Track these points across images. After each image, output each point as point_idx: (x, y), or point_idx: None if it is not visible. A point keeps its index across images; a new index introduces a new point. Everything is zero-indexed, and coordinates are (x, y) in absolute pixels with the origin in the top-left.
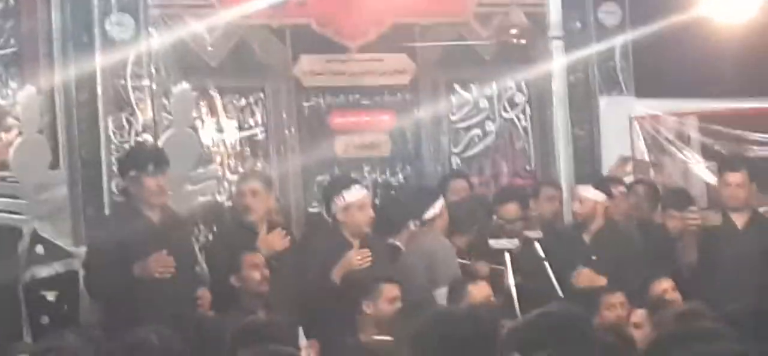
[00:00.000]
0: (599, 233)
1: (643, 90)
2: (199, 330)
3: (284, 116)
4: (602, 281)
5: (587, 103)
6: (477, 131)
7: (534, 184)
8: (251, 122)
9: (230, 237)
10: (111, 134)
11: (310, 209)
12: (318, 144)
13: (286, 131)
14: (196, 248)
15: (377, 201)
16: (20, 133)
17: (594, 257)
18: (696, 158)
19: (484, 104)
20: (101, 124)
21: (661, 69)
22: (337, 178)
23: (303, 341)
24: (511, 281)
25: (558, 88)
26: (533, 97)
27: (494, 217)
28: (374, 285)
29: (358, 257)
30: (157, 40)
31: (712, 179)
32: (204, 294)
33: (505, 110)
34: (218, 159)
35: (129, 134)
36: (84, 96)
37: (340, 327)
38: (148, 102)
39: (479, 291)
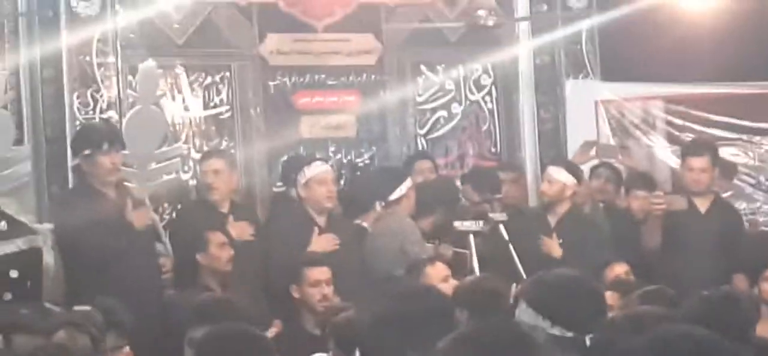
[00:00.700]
0: (565, 216)
1: (610, 74)
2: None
3: (250, 94)
4: (558, 252)
5: (553, 86)
6: (443, 113)
7: (503, 167)
8: (217, 100)
9: (193, 215)
10: (76, 110)
11: (275, 189)
12: (283, 124)
13: (252, 111)
14: (160, 225)
15: (343, 182)
16: None
17: (559, 241)
18: (661, 143)
19: (450, 85)
20: (66, 100)
21: (627, 53)
22: (298, 156)
23: None
24: (475, 263)
25: (524, 71)
26: (499, 79)
27: (461, 198)
28: (299, 268)
29: (328, 242)
30: (123, 16)
31: (677, 164)
32: (166, 260)
33: (472, 92)
34: (183, 137)
35: (94, 110)
36: (49, 72)
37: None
38: (114, 79)
39: (436, 272)
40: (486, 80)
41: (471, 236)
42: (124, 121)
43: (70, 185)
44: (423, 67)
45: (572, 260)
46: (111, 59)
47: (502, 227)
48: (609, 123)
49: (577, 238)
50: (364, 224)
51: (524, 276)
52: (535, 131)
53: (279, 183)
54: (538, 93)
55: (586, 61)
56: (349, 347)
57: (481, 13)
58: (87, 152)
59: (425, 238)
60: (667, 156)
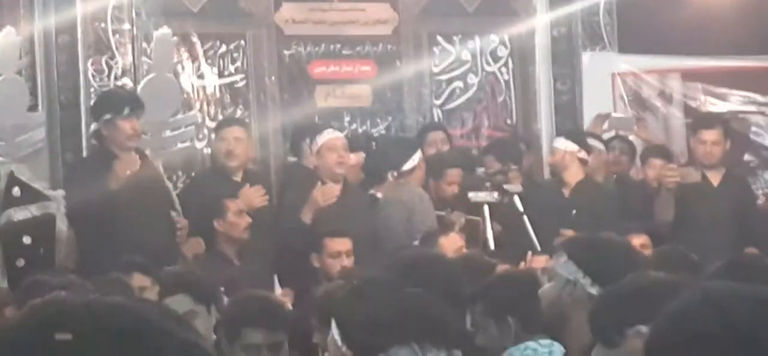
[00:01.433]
0: (578, 187)
1: (627, 46)
2: None
3: (265, 64)
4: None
5: (570, 58)
6: (459, 84)
7: (516, 138)
8: (232, 68)
9: (206, 183)
10: (90, 77)
11: (291, 159)
12: (298, 93)
13: (267, 80)
14: (173, 193)
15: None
16: None
17: (573, 212)
18: (677, 115)
19: (466, 56)
20: (81, 67)
21: (644, 25)
22: (307, 125)
23: (278, 289)
24: (489, 234)
25: (541, 42)
26: (516, 51)
27: (480, 170)
28: (320, 238)
29: (321, 194)
30: None
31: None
32: (182, 221)
33: (488, 64)
34: (198, 106)
35: (108, 78)
36: (64, 39)
37: (313, 273)
38: (129, 46)
39: (450, 243)
40: (502, 52)
41: (486, 207)
42: (138, 88)
43: (84, 153)
44: (439, 38)
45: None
46: (126, 26)
47: (516, 198)
48: (626, 96)
49: (591, 207)
50: (378, 195)
51: (538, 247)
52: (551, 103)
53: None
54: (555, 65)
55: (604, 33)
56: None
57: None
58: (108, 116)
59: (436, 207)
60: (683, 128)
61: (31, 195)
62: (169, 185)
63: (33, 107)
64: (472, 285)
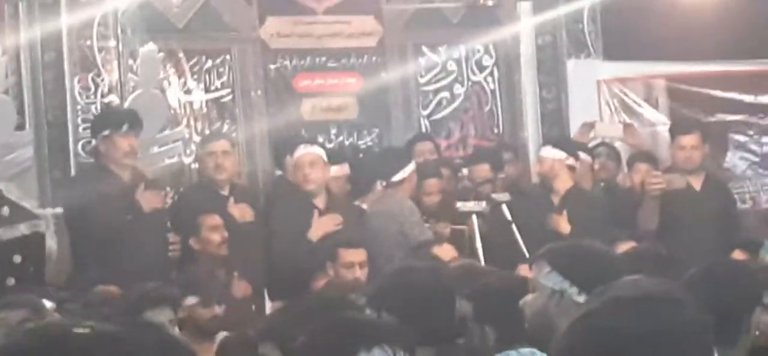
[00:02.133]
0: (567, 194)
1: (611, 53)
2: None
3: (251, 78)
4: (567, 228)
5: (555, 66)
6: (445, 94)
7: (501, 147)
8: (218, 83)
9: (194, 198)
10: (77, 95)
11: (278, 172)
12: (285, 107)
13: (253, 94)
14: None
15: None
16: None
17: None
18: (663, 121)
19: (452, 66)
20: (67, 85)
21: (629, 32)
22: (287, 138)
23: (268, 303)
24: (478, 243)
25: (526, 50)
26: (501, 60)
27: (464, 177)
28: (334, 248)
29: (332, 221)
30: (124, 0)
31: None
32: (174, 238)
33: (473, 73)
34: (185, 121)
35: (95, 95)
36: (50, 57)
37: (306, 288)
38: (115, 63)
39: (444, 253)
40: (488, 61)
41: (474, 217)
42: (125, 105)
43: (73, 170)
44: (424, 49)
45: (580, 237)
46: (112, 43)
47: (504, 207)
48: (611, 102)
49: (581, 215)
50: (363, 206)
51: (527, 256)
52: (538, 111)
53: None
54: (540, 73)
55: (588, 40)
56: None
57: None
58: (106, 132)
59: (424, 214)
60: (669, 134)
61: (20, 214)
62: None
63: (20, 126)
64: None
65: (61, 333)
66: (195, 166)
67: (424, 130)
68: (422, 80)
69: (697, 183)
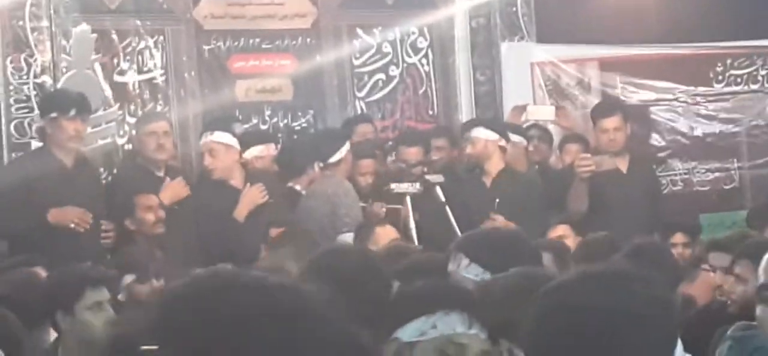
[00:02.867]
0: (499, 176)
1: (545, 36)
2: None
3: (184, 59)
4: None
5: (489, 48)
6: (381, 76)
7: (439, 128)
8: (151, 64)
9: (129, 179)
10: (9, 75)
11: None
12: (219, 88)
13: (186, 75)
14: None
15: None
16: None
17: (496, 201)
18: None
19: (387, 48)
20: (0, 65)
21: (562, 15)
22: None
23: None
24: (412, 224)
25: (460, 33)
26: (435, 42)
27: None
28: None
29: (258, 192)
30: None
31: None
32: (108, 226)
33: (408, 55)
34: (118, 102)
35: (28, 75)
36: None
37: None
38: (48, 44)
39: (386, 234)
40: (422, 43)
41: (408, 199)
42: (58, 86)
43: (5, 151)
44: (359, 31)
45: (513, 220)
46: (44, 23)
47: (438, 188)
48: (544, 85)
49: (513, 197)
50: (297, 187)
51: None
52: (472, 94)
53: None
54: (474, 55)
55: (522, 23)
56: None
57: None
58: (53, 115)
59: (361, 196)
60: None
61: None
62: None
63: None
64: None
65: (233, 282)
66: (128, 147)
67: (359, 112)
68: (357, 62)
69: (622, 165)
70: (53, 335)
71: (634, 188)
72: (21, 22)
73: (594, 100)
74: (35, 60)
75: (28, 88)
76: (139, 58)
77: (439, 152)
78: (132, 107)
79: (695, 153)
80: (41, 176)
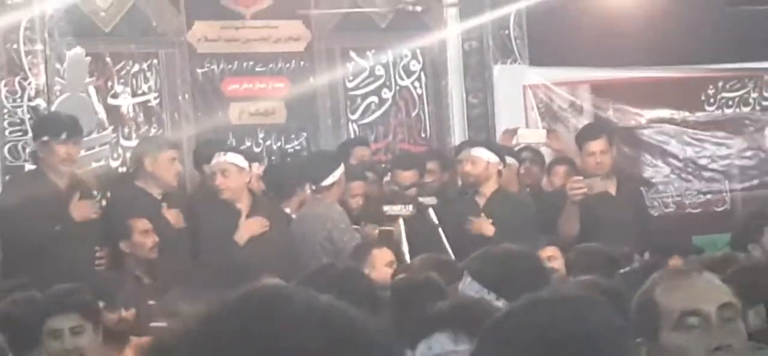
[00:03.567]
0: (492, 197)
1: (537, 59)
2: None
3: (178, 82)
4: (491, 230)
5: (481, 71)
6: (374, 99)
7: (431, 151)
8: (145, 87)
9: (127, 202)
10: (4, 98)
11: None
12: (212, 111)
13: (180, 98)
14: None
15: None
16: None
17: (489, 221)
18: None
19: (380, 71)
20: None
21: (554, 38)
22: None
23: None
24: (405, 247)
25: (452, 56)
26: (428, 65)
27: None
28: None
29: (258, 224)
30: (51, 4)
31: None
32: (104, 251)
33: (401, 78)
34: (112, 125)
35: (22, 98)
36: None
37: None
38: (42, 67)
39: (382, 256)
40: (415, 66)
41: (401, 221)
42: (52, 109)
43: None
44: (352, 54)
45: (504, 240)
46: (39, 47)
47: (431, 211)
48: (537, 107)
49: (506, 218)
50: (287, 210)
51: (454, 259)
52: (464, 116)
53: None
54: (467, 78)
55: (514, 46)
56: None
57: None
58: (45, 138)
59: (351, 218)
60: None
61: None
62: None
63: None
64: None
65: (284, 299)
66: (122, 170)
67: (352, 134)
68: (350, 85)
69: (611, 188)
70: None
71: (624, 210)
72: (15, 46)
73: (586, 122)
74: (29, 83)
75: (22, 111)
76: (133, 81)
77: (432, 174)
78: (126, 130)
79: (687, 175)
80: (35, 198)
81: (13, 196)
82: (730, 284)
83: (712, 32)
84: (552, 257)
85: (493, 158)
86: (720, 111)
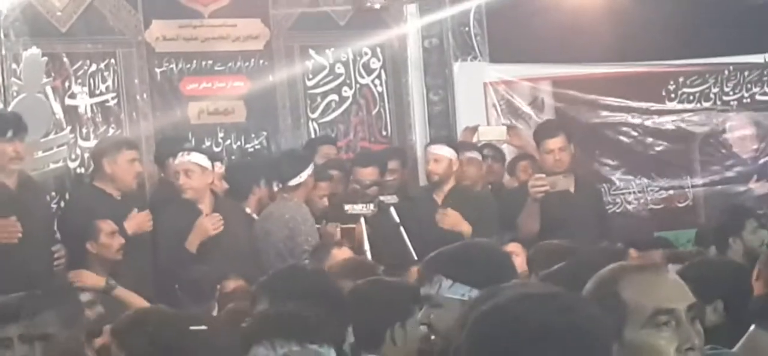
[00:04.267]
0: (450, 193)
1: (498, 55)
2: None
3: (136, 82)
4: (467, 227)
5: (442, 68)
6: (334, 97)
7: (392, 149)
8: (103, 87)
9: (86, 203)
10: None
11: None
12: (171, 111)
13: (138, 98)
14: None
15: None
16: None
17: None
18: None
19: (340, 69)
20: None
21: (515, 35)
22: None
23: None
24: (366, 246)
25: (413, 53)
26: (388, 62)
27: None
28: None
29: (211, 223)
30: (6, 3)
31: None
32: (60, 250)
33: (361, 76)
34: (69, 126)
35: None
36: None
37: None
38: None
39: (342, 255)
40: (375, 64)
41: (362, 220)
42: (8, 109)
43: None
44: (312, 52)
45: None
46: None
47: (392, 209)
48: (498, 104)
49: (467, 214)
50: (247, 210)
51: (415, 257)
52: (425, 114)
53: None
54: (427, 75)
55: (474, 43)
56: None
57: None
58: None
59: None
60: None
61: None
62: (51, 206)
63: None
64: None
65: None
66: (80, 170)
67: (313, 133)
68: (310, 83)
69: (570, 185)
70: None
71: (583, 207)
72: None
73: (548, 118)
74: None
75: None
76: (91, 81)
77: (393, 173)
78: (84, 130)
79: (649, 171)
80: None
81: None
82: (687, 280)
83: (673, 28)
84: (514, 253)
85: (453, 154)
86: (681, 106)
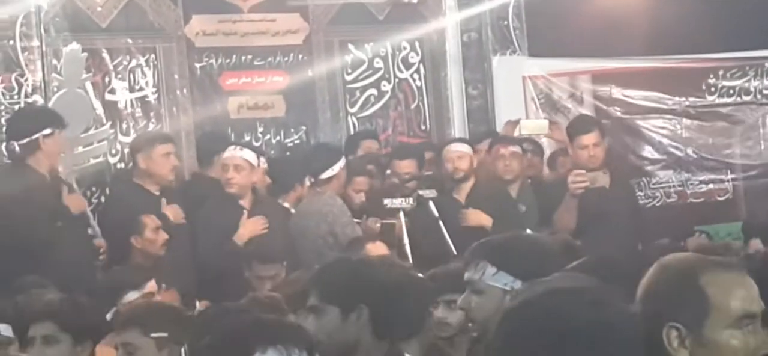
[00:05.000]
0: (472, 191)
1: (536, 49)
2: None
3: (176, 77)
4: (488, 221)
5: (480, 62)
6: (373, 91)
7: (429, 143)
8: (143, 82)
9: (126, 198)
10: (0, 95)
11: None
12: (211, 105)
13: (178, 93)
14: (88, 209)
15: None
16: None
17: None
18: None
19: (378, 63)
20: None
21: (553, 28)
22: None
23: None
24: (406, 240)
25: (451, 47)
26: (427, 56)
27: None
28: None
29: (259, 225)
30: None
31: None
32: (101, 243)
33: (400, 70)
34: (109, 121)
35: (19, 95)
36: None
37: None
38: (38, 63)
39: (376, 250)
40: (414, 58)
41: (401, 214)
42: (49, 105)
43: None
44: (350, 46)
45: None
46: (35, 43)
47: (431, 203)
48: (537, 98)
49: (492, 210)
50: (286, 205)
51: (455, 251)
52: (464, 108)
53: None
54: (466, 69)
55: (513, 37)
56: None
57: None
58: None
59: (353, 212)
60: None
61: None
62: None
63: None
64: None
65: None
66: (120, 165)
67: (352, 128)
68: (349, 77)
69: (605, 181)
70: None
71: (618, 203)
72: (11, 42)
73: (587, 112)
74: (26, 80)
75: (19, 108)
76: (131, 76)
77: (431, 166)
78: (124, 126)
79: (689, 165)
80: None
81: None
82: None
83: (712, 21)
84: None
85: (471, 150)
86: (721, 99)
